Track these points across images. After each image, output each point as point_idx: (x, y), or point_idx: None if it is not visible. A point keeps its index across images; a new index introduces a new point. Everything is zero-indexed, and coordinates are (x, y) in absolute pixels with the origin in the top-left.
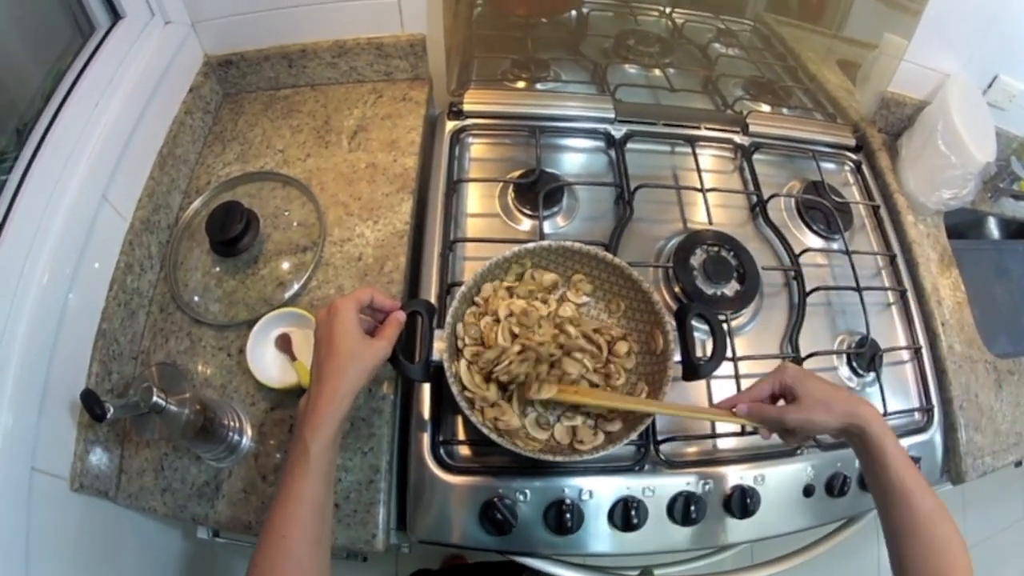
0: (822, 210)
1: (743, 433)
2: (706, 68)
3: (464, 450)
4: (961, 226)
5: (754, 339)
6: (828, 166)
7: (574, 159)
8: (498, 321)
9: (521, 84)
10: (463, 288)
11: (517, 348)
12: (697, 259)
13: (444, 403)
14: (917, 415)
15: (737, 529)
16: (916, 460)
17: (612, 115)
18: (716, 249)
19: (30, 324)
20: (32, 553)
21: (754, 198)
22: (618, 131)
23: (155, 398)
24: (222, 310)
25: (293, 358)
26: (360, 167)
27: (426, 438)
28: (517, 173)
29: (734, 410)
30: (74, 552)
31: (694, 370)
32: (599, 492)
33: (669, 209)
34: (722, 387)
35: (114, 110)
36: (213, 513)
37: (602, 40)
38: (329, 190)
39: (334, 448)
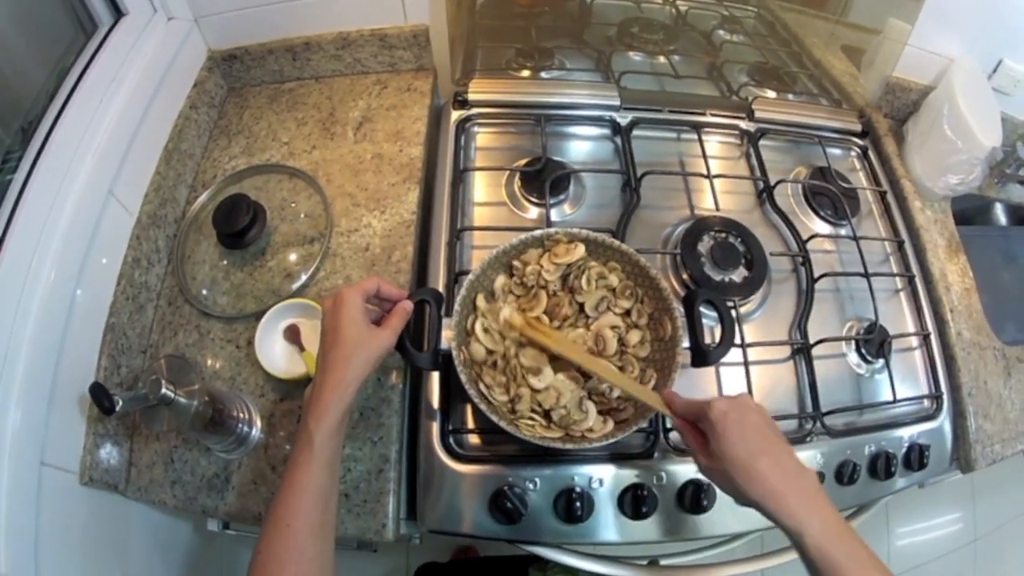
0: (829, 196)
1: None
2: (711, 55)
3: (473, 439)
4: (968, 212)
5: (763, 325)
6: (834, 152)
7: (580, 147)
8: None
9: (526, 73)
10: (471, 276)
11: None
12: (705, 245)
13: (453, 392)
14: (926, 402)
15: (747, 517)
16: (925, 448)
17: (617, 102)
18: (724, 235)
19: (38, 320)
20: (42, 547)
21: (761, 184)
22: (624, 118)
23: (164, 390)
24: (230, 302)
25: (301, 349)
26: (366, 158)
27: (435, 427)
28: (523, 161)
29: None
30: (84, 546)
31: (703, 356)
32: (609, 480)
33: (676, 196)
34: (731, 373)
35: (118, 107)
36: (223, 505)
37: (606, 28)
38: (335, 181)
39: (339, 437)
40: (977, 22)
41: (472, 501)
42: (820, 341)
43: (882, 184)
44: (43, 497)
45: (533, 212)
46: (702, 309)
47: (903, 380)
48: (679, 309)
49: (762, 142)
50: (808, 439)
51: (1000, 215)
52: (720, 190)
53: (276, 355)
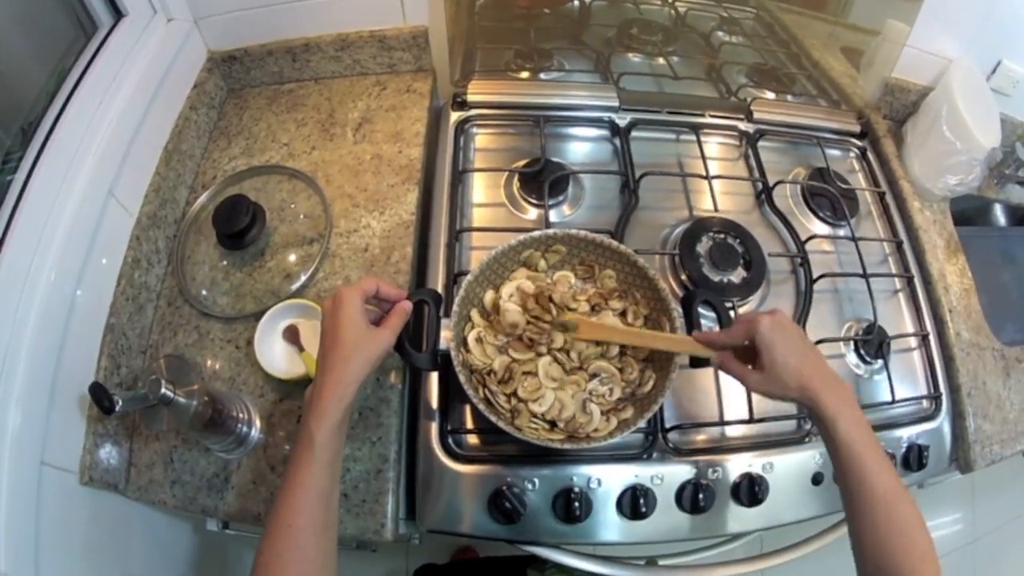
0: (828, 197)
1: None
2: (709, 56)
3: (472, 439)
4: (967, 212)
5: None
6: (833, 153)
7: (579, 148)
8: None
9: (525, 74)
10: (469, 277)
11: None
12: (703, 246)
13: (452, 392)
14: (925, 403)
15: (746, 517)
16: (924, 448)
17: (616, 104)
18: (722, 236)
19: (38, 320)
20: (42, 547)
21: (759, 185)
22: (622, 119)
23: (163, 390)
24: (230, 303)
25: (301, 349)
26: (365, 159)
27: (434, 427)
28: (522, 162)
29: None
30: (84, 546)
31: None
32: (607, 480)
33: (675, 197)
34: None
35: (118, 108)
36: (223, 505)
37: (605, 29)
38: (335, 182)
39: (339, 437)
40: (975, 23)
41: (471, 501)
42: (819, 342)
43: (881, 185)
44: (43, 497)
45: (532, 213)
46: (700, 310)
47: (902, 381)
48: (677, 310)
49: (761, 143)
50: (807, 440)
51: (999, 216)
52: (719, 191)
53: (275, 355)
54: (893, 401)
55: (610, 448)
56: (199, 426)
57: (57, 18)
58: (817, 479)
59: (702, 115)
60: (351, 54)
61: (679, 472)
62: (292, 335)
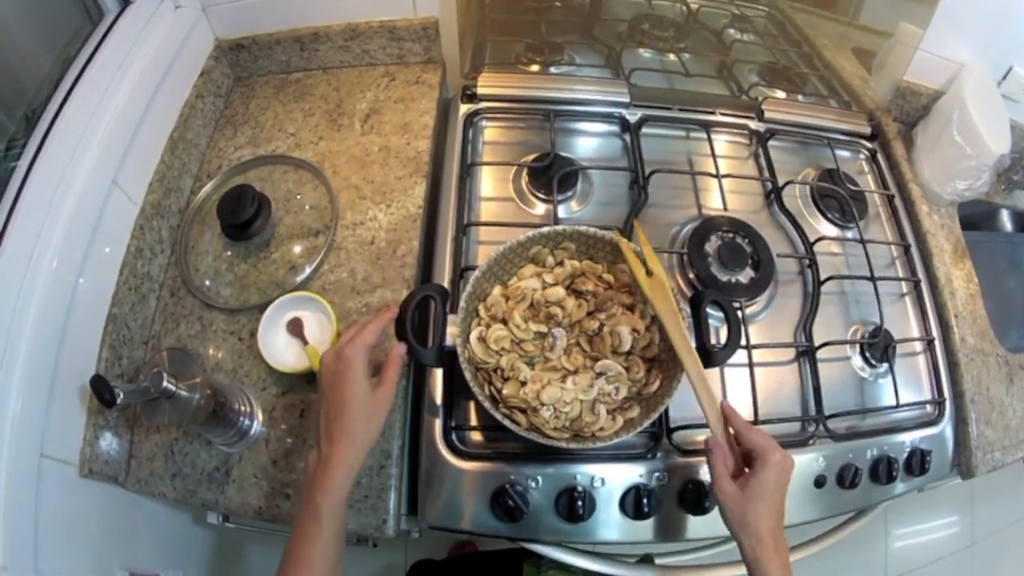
0: (837, 198)
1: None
2: (721, 53)
3: (476, 436)
4: (974, 218)
5: (768, 327)
6: (843, 154)
7: (588, 143)
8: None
9: (535, 68)
10: (476, 272)
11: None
12: (712, 245)
13: (457, 388)
14: (928, 407)
15: None
16: (926, 453)
17: (627, 99)
18: (731, 236)
19: (40, 310)
20: (41, 539)
21: (769, 185)
22: (633, 115)
23: (165, 383)
24: (233, 294)
25: (305, 342)
26: (373, 150)
27: (438, 424)
28: (531, 157)
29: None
30: (83, 538)
31: (708, 357)
32: (611, 480)
33: (684, 195)
34: (735, 375)
35: (124, 95)
36: (223, 498)
37: (616, 24)
38: (342, 173)
39: (345, 505)
40: (988, 29)
41: (473, 498)
42: (825, 344)
43: (890, 188)
44: (42, 488)
45: (540, 208)
46: (708, 309)
47: (906, 385)
48: (685, 310)
49: (771, 143)
50: (810, 442)
51: (1006, 221)
52: (728, 190)
53: (279, 348)
54: (897, 405)
55: (614, 447)
56: (201, 419)
57: (63, 4)
58: (820, 482)
59: (713, 113)
60: (360, 44)
61: (683, 472)
62: (296, 328)
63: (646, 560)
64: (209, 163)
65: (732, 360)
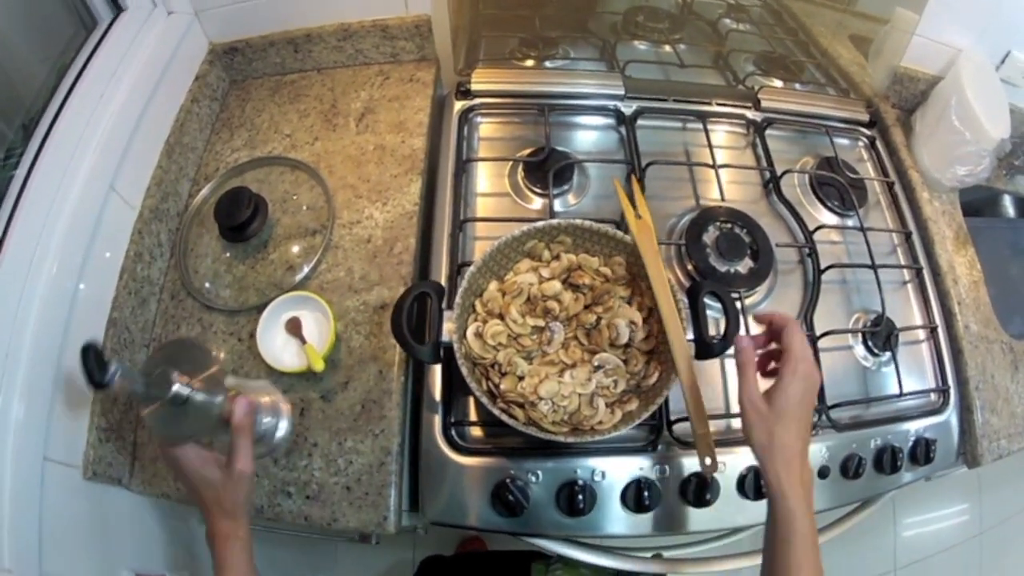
0: (836, 186)
1: None
2: (716, 44)
3: (476, 431)
4: (976, 203)
5: None
6: (842, 142)
7: (584, 137)
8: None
9: (529, 62)
10: (472, 268)
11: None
12: (710, 236)
13: (455, 384)
14: (933, 396)
15: (751, 510)
16: (931, 442)
17: (622, 92)
18: (729, 226)
19: (40, 315)
20: (45, 543)
21: (767, 174)
22: (628, 108)
23: (176, 386)
24: (232, 295)
25: (303, 341)
26: (368, 149)
27: (437, 419)
28: (527, 151)
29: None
30: (88, 540)
31: (707, 349)
32: (612, 473)
33: (681, 186)
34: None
35: (119, 101)
36: None
37: (611, 17)
38: (337, 173)
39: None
40: (985, 13)
41: (474, 493)
42: (826, 333)
43: (890, 175)
44: (46, 492)
45: (537, 203)
46: (706, 300)
47: (910, 373)
48: (683, 301)
49: (768, 132)
50: (814, 433)
51: (1008, 207)
52: (726, 180)
53: (278, 348)
54: (901, 394)
55: (614, 440)
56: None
57: (57, 13)
58: (823, 472)
59: (709, 103)
60: (353, 44)
61: (684, 465)
62: (294, 327)
63: (657, 556)
64: (206, 166)
65: (731, 351)
